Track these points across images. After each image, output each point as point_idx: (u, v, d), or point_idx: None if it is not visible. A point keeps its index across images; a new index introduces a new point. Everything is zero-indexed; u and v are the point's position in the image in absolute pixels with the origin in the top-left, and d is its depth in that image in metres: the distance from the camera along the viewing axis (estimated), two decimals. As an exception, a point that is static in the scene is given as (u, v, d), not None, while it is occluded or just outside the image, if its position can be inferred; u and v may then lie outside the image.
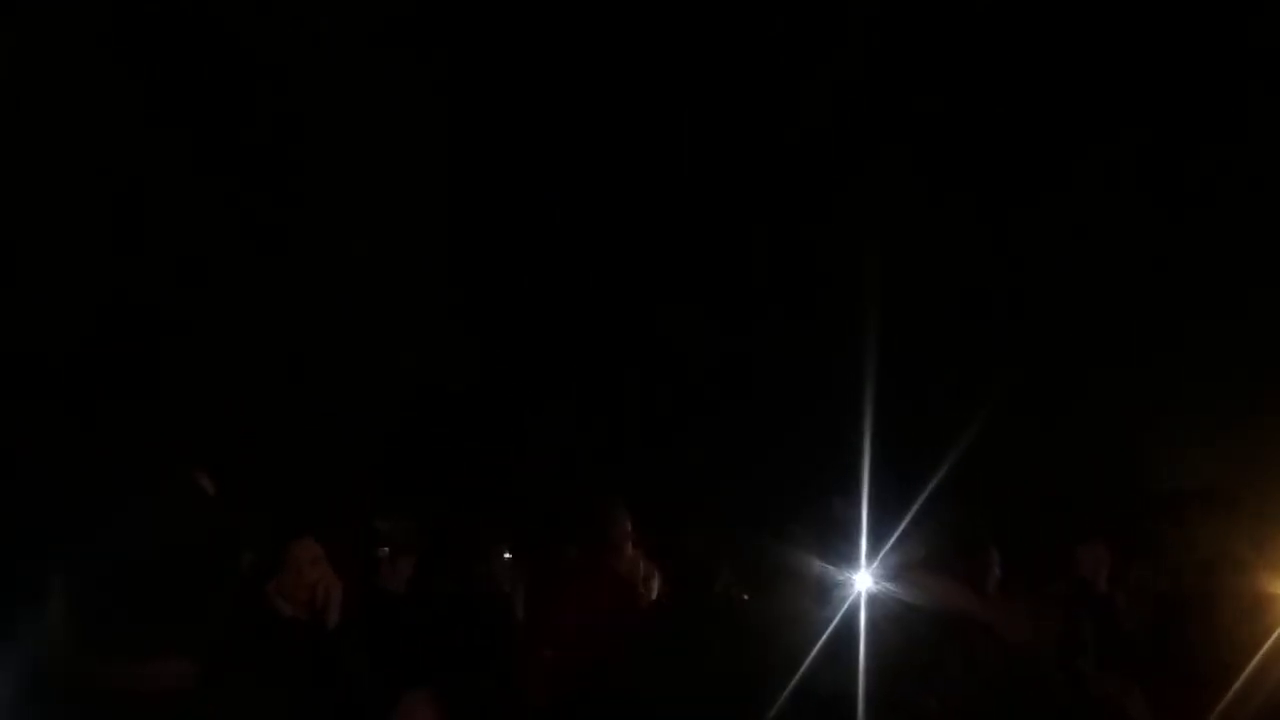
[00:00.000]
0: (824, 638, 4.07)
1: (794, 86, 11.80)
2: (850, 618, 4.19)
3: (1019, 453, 11.85)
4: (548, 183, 11.60)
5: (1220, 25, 11.19)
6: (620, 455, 11.55)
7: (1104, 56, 11.58)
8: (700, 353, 12.36)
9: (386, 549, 6.27)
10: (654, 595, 5.34)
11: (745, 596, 4.63)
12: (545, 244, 11.69)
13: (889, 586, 4.24)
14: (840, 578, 4.91)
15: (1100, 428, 11.65)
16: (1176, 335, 11.35)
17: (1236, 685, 4.55)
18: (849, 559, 4.76)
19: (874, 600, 4.17)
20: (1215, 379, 11.11)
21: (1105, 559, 5.97)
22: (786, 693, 3.88)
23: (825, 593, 5.12)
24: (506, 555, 6.89)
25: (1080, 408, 11.77)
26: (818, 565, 5.97)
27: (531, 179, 11.54)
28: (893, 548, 4.50)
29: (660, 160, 11.75)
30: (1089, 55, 11.61)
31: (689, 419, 12.22)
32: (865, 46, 11.81)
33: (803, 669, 3.86)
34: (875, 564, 4.56)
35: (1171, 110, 11.50)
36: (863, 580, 4.47)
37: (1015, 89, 11.81)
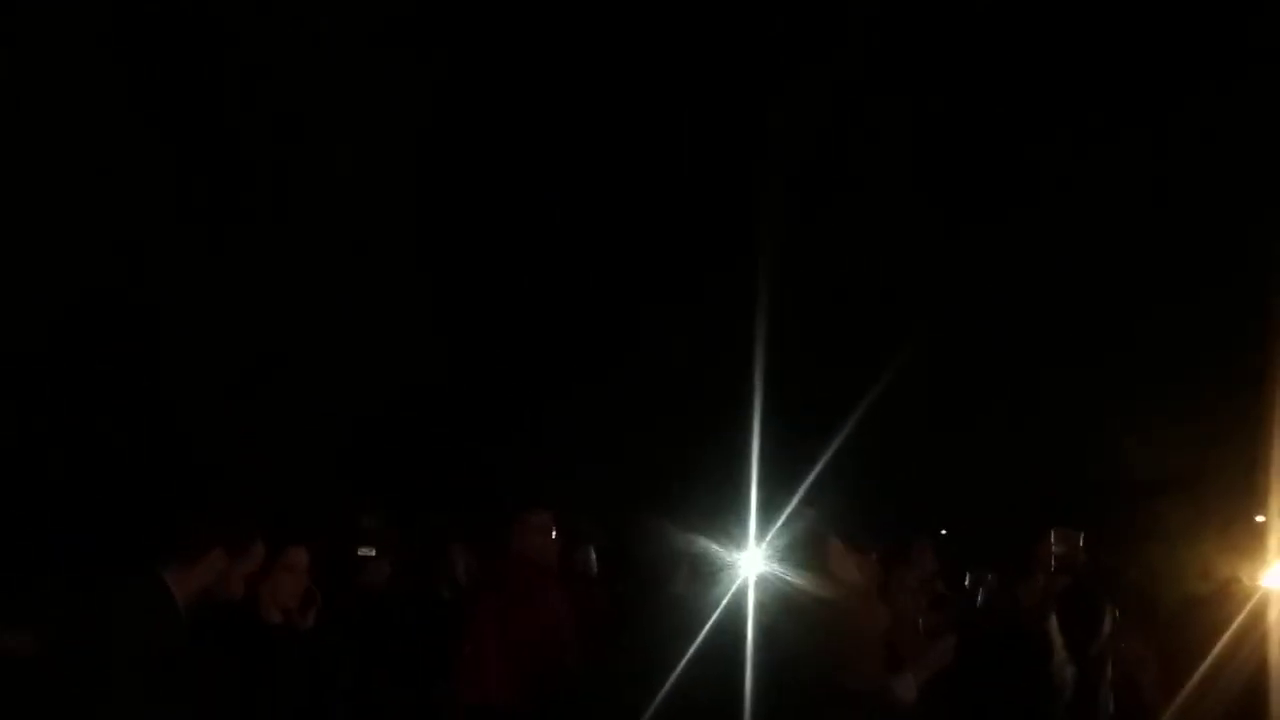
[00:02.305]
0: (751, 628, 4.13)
1: (774, 95, 11.89)
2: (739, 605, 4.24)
3: (987, 444, 11.96)
4: (528, 185, 11.63)
5: (1169, 41, 11.42)
6: (589, 456, 11.59)
7: (1061, 71, 11.78)
8: (675, 353, 12.43)
9: (373, 549, 6.27)
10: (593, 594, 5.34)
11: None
12: (525, 246, 11.73)
13: (779, 570, 4.29)
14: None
15: (1066, 419, 11.76)
16: (1142, 328, 11.47)
17: (1204, 666, 4.62)
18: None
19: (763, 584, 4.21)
20: (1180, 370, 11.24)
21: (1057, 548, 6.03)
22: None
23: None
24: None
25: (1046, 400, 11.88)
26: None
27: (511, 181, 11.57)
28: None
29: (640, 164, 11.80)
30: (1048, 71, 11.80)
31: (660, 419, 12.28)
32: (842, 57, 11.91)
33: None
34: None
35: (1131, 118, 11.68)
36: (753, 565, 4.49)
37: (980, 100, 11.97)
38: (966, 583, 5.22)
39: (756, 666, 3.77)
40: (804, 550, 4.11)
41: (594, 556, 6.49)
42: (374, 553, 6.17)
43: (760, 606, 4.19)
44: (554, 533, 4.85)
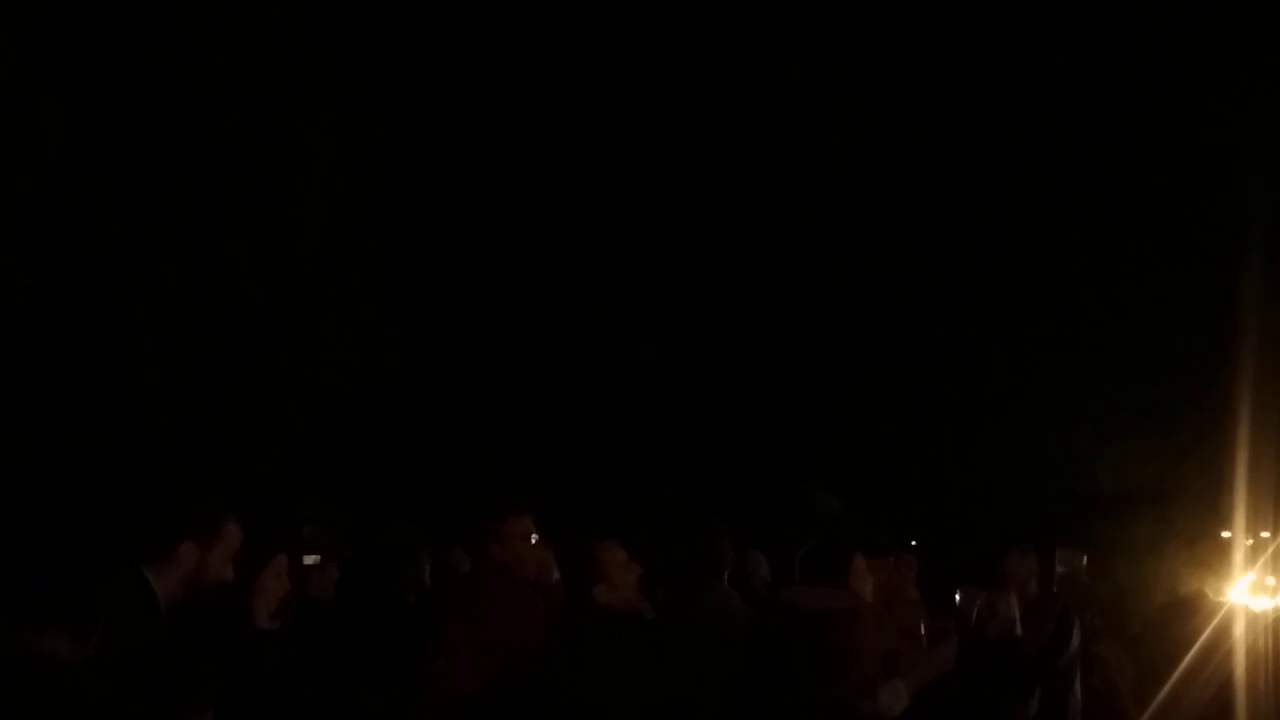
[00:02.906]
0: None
1: (735, 110, 11.94)
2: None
3: (953, 455, 12.02)
4: (499, 181, 11.59)
5: (1130, 58, 11.60)
6: (552, 456, 11.56)
7: (1028, 86, 11.93)
8: (634, 353, 12.44)
9: (317, 556, 6.16)
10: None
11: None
12: (486, 244, 11.69)
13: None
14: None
15: (1034, 431, 11.82)
16: (1111, 343, 11.55)
17: (1172, 681, 4.64)
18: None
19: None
20: (1146, 382, 11.33)
21: (1034, 566, 6.05)
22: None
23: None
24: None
25: (1016, 414, 11.93)
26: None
27: (482, 178, 11.53)
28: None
29: (614, 161, 11.79)
30: (1014, 85, 11.95)
31: (624, 420, 12.27)
32: (814, 66, 11.98)
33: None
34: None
35: (1102, 134, 11.83)
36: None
37: (943, 116, 12.09)
38: (958, 600, 5.20)
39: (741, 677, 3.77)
40: (825, 562, 4.10)
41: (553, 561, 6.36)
42: (318, 559, 6.06)
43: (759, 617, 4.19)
44: (534, 538, 4.68)
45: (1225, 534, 5.89)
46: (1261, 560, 5.39)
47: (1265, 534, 6.24)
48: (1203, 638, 4.71)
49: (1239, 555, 5.40)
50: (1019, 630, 4.95)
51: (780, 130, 12.11)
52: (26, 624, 2.39)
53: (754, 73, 11.90)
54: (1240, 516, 6.09)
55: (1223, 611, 4.88)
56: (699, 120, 11.91)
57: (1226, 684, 4.61)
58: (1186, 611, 4.98)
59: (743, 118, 12.02)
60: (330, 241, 9.69)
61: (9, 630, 2.35)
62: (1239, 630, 4.77)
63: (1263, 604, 5.07)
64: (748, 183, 12.08)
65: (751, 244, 12.35)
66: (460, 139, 11.49)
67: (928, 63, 12.01)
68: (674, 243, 12.13)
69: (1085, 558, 5.80)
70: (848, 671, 3.72)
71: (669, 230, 12.09)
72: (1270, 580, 5.27)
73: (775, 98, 11.98)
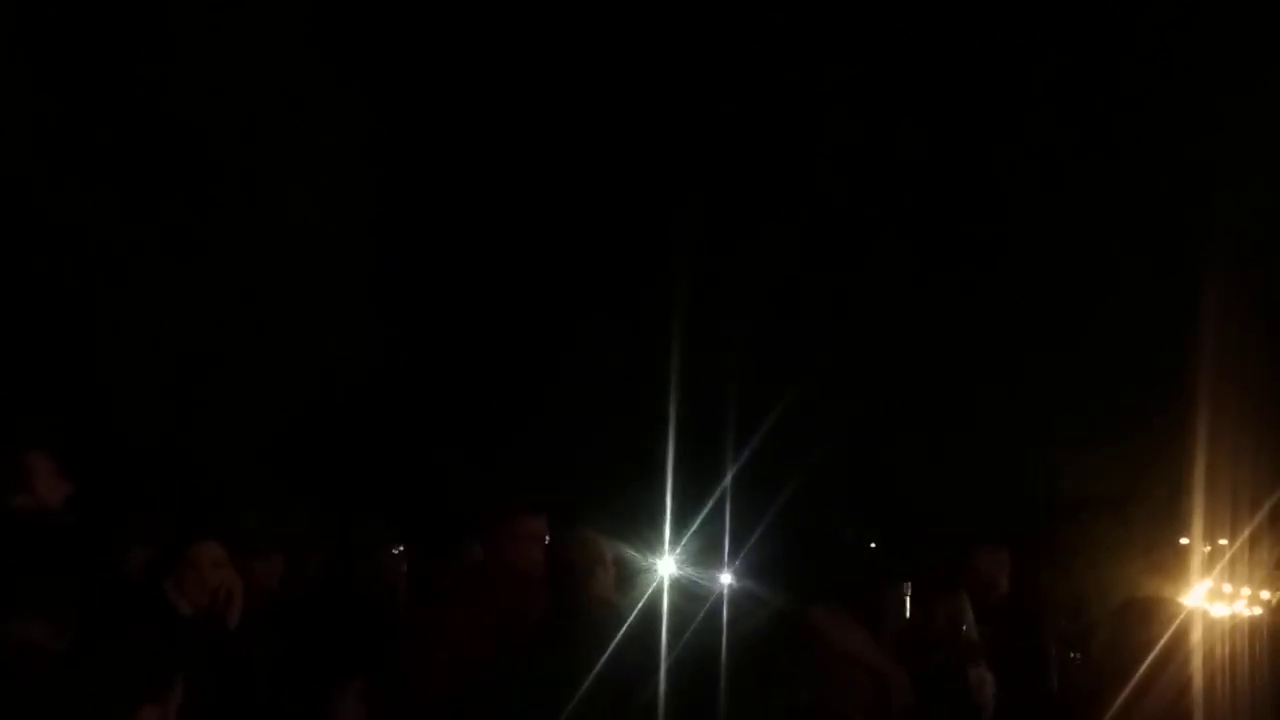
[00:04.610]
0: (689, 632, 4.14)
1: (702, 111, 11.95)
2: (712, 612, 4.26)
3: (916, 463, 12.06)
4: (474, 181, 11.58)
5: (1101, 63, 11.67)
6: (521, 452, 11.54)
7: (999, 82, 11.98)
8: (606, 357, 12.42)
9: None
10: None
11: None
12: (470, 244, 11.67)
13: (747, 584, 4.30)
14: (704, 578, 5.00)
15: (996, 437, 11.88)
16: (1074, 347, 11.63)
17: (1130, 687, 4.65)
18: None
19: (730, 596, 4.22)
20: (1110, 392, 11.42)
21: (1005, 562, 6.07)
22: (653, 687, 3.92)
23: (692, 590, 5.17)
24: (396, 552, 6.71)
25: (976, 417, 11.99)
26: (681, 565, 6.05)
27: (458, 179, 11.51)
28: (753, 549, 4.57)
29: (589, 167, 11.79)
30: (983, 82, 11.99)
31: (597, 424, 12.26)
32: (767, 74, 11.99)
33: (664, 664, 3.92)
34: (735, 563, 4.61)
35: (1075, 133, 11.89)
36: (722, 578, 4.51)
37: (917, 108, 12.11)
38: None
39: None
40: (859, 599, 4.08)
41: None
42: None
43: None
44: (546, 540, 4.59)
45: (1184, 540, 5.94)
46: (1219, 567, 5.43)
47: (1223, 541, 6.29)
48: (1160, 643, 4.72)
49: (1197, 561, 5.44)
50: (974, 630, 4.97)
51: (741, 136, 12.12)
52: (6, 612, 2.36)
53: (740, 78, 11.91)
54: (1199, 523, 6.13)
55: (1181, 617, 4.90)
56: (690, 126, 11.91)
57: (1185, 690, 4.63)
58: (1144, 617, 4.99)
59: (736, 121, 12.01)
60: (314, 239, 9.66)
61: None
62: (1197, 636, 4.79)
63: (1220, 610, 5.10)
64: (704, 186, 12.08)
65: (708, 245, 12.36)
66: (446, 137, 11.46)
67: (870, 69, 11.99)
68: (656, 247, 12.12)
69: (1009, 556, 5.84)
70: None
71: (651, 235, 12.09)
72: (1227, 587, 5.31)
73: (727, 110, 12.00)
